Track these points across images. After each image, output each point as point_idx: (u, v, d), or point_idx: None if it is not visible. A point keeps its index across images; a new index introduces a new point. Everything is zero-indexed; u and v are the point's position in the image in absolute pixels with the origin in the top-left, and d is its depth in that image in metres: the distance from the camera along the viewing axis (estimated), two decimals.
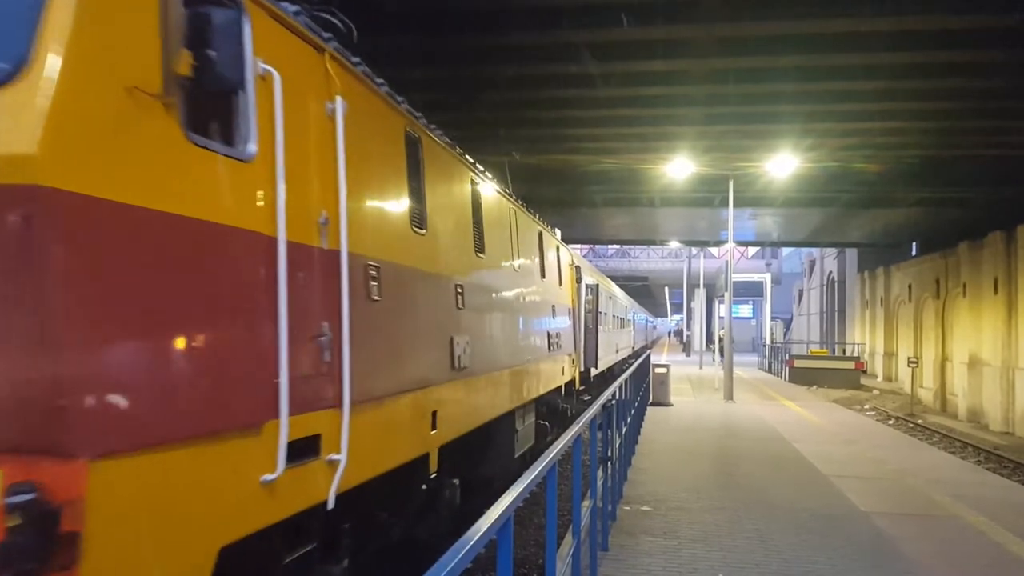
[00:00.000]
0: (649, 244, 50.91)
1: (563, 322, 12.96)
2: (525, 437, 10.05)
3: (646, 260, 68.63)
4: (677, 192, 22.38)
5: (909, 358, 28.97)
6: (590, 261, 40.58)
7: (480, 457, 8.24)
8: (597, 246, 58.73)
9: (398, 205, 5.46)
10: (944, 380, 28.31)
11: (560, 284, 12.92)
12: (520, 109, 15.88)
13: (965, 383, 25.28)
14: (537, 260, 10.81)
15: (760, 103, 14.94)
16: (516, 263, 9.26)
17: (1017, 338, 22.17)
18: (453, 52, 12.56)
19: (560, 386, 12.67)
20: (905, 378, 30.34)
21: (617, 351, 26.92)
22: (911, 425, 23.29)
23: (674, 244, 42.37)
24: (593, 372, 17.64)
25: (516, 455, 9.33)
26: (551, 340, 11.50)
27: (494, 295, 8.20)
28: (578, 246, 41.42)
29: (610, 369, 23.27)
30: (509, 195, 9.59)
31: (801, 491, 9.82)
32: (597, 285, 18.52)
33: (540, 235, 11.29)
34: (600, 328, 20.07)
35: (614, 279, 39.27)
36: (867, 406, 27.39)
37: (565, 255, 14.30)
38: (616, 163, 19.74)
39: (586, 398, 16.14)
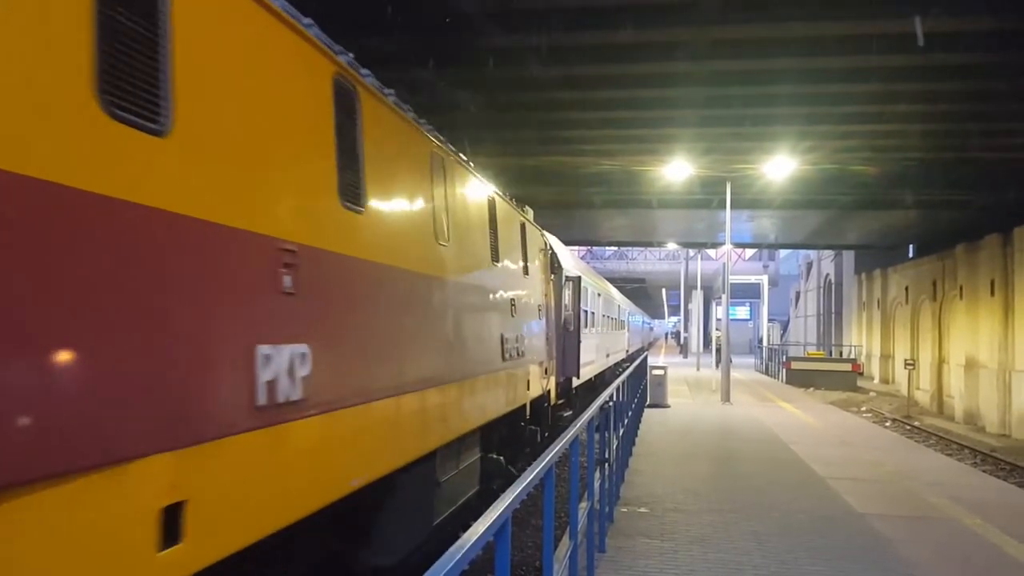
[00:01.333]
0: (647, 246, 51.00)
1: (530, 322, 10.36)
2: (457, 488, 7.31)
3: (643, 262, 68.68)
4: (675, 194, 22.40)
5: (906, 360, 29.01)
6: (587, 262, 40.50)
7: (360, 540, 5.43)
8: (595, 247, 58.81)
9: (57, 57, 2.50)
10: (941, 382, 28.36)
11: (526, 273, 10.20)
12: (518, 111, 15.89)
13: (962, 385, 25.32)
14: (486, 237, 8.00)
15: (758, 105, 14.97)
16: (441, 235, 6.30)
17: (1013, 340, 22.21)
18: (451, 54, 12.57)
19: (525, 404, 10.03)
20: (902, 380, 30.39)
21: (608, 355, 24.05)
22: (908, 427, 23.32)
23: (672, 246, 42.42)
24: (576, 382, 15.09)
25: (437, 520, 6.61)
26: (508, 346, 8.72)
27: (387, 278, 5.17)
28: (576, 247, 41.41)
29: (600, 376, 21.05)
30: (437, 138, 6.64)
31: (798, 493, 9.83)
32: (579, 278, 15.36)
33: (492, 204, 8.35)
34: (587, 329, 17.67)
35: (611, 280, 39.09)
36: (864, 408, 27.43)
37: (535, 237, 11.47)
38: (614, 165, 19.75)
39: (566, 414, 13.97)
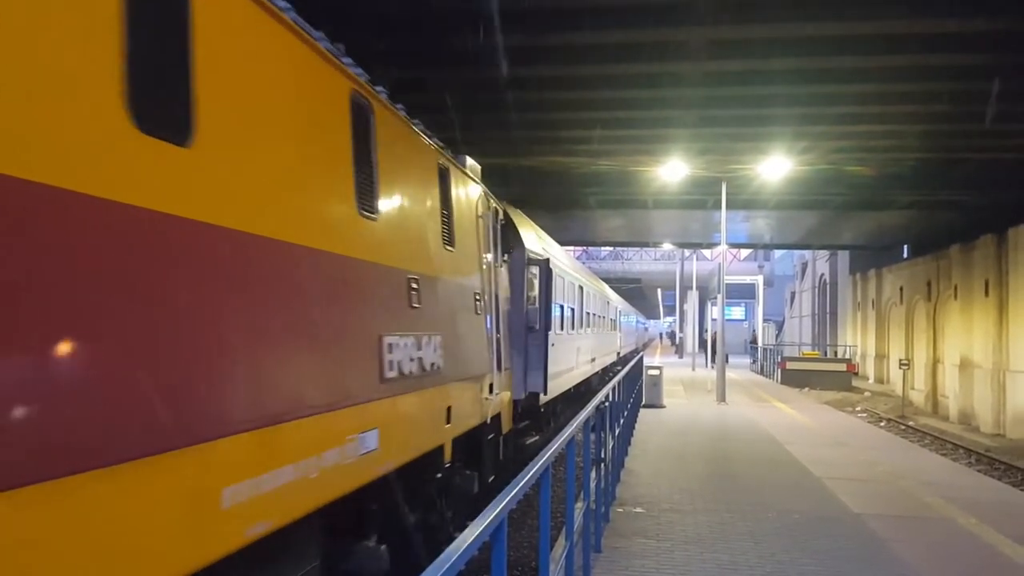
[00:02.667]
0: (643, 246, 51.03)
1: (457, 319, 7.06)
2: None
3: (639, 262, 68.77)
4: (671, 194, 22.42)
5: (900, 360, 29.07)
6: (583, 263, 40.41)
7: None
8: (591, 248, 58.85)
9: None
10: (935, 382, 28.43)
11: (449, 245, 6.82)
12: (515, 111, 15.87)
13: (956, 385, 25.38)
14: (345, 173, 4.86)
15: (753, 106, 14.98)
16: (199, 138, 3.27)
17: (1008, 340, 22.28)
18: (448, 54, 12.57)
19: (442, 446, 6.55)
20: (896, 380, 30.44)
21: (594, 360, 20.41)
22: (902, 427, 23.38)
23: (667, 246, 42.44)
24: (543, 399, 11.67)
25: None
26: (400, 356, 5.45)
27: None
28: (572, 247, 41.35)
29: (587, 382, 18.73)
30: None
31: (794, 493, 9.84)
32: (548, 261, 11.69)
33: (365, 118, 5.14)
34: (563, 331, 14.60)
35: (607, 280, 38.97)
36: (858, 408, 27.48)
37: (473, 196, 8.07)
38: (610, 165, 19.76)
39: (530, 440, 11.38)
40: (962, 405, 24.87)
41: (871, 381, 35.05)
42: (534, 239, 12.22)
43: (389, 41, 11.53)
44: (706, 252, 50.74)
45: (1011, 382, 21.82)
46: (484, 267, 8.37)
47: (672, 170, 19.27)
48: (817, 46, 12.01)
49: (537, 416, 11.94)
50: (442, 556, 2.53)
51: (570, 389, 15.69)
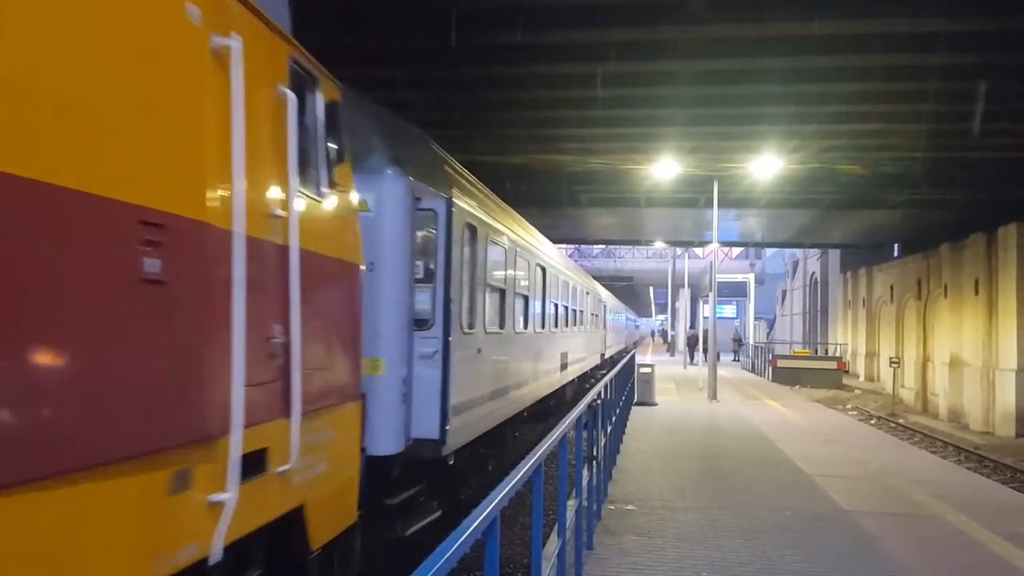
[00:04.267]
0: (635, 244, 51.06)
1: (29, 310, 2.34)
2: None
3: (631, 260, 68.89)
4: (663, 193, 22.45)
5: (891, 358, 29.20)
6: (575, 261, 40.31)
7: None
8: (583, 246, 58.89)
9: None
10: (925, 380, 28.57)
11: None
12: (507, 109, 15.88)
13: (946, 383, 25.52)
14: None
15: (745, 105, 15.02)
16: None
17: (997, 339, 22.40)
18: (439, 52, 12.54)
19: None
20: (887, 378, 30.58)
21: (564, 368, 15.62)
22: (893, 425, 23.49)
23: (659, 244, 42.50)
24: (454, 441, 7.24)
25: None
26: None
27: None
28: (565, 245, 41.27)
29: (554, 395, 14.72)
30: None
31: (785, 490, 9.88)
32: (450, 203, 7.20)
33: None
34: (503, 329, 9.66)
35: (599, 279, 38.85)
36: (849, 406, 27.60)
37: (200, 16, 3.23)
38: (602, 163, 19.78)
39: (418, 524, 6.84)
40: (952, 403, 25.00)
41: (861, 379, 35.20)
42: (441, 178, 7.35)
43: (375, 40, 11.50)
44: (698, 250, 50.78)
45: (1000, 380, 21.94)
46: (244, 187, 3.59)
47: (664, 168, 19.29)
48: (808, 45, 12.04)
49: (442, 472, 7.38)
50: (435, 553, 2.53)
51: (522, 412, 11.13)
